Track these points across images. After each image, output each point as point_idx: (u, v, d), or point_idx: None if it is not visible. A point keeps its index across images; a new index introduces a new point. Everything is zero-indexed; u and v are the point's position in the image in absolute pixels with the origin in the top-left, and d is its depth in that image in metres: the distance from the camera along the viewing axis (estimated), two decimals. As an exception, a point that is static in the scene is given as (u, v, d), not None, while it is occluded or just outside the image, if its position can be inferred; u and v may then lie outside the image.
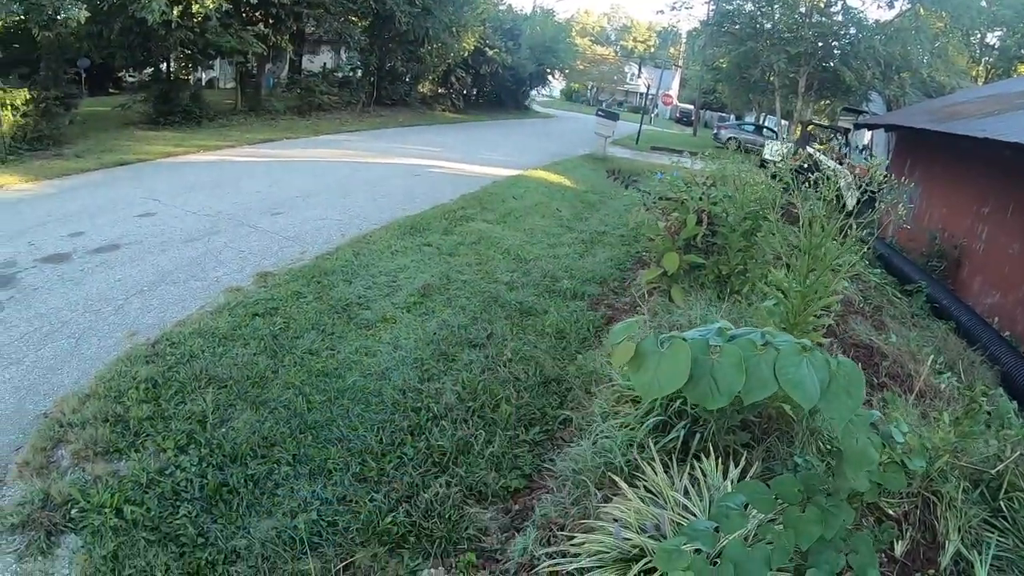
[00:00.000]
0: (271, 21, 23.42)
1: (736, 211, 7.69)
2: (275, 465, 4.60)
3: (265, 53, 22.96)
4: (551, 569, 3.67)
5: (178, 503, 4.15)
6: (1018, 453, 5.28)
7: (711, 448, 4.26)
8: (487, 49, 37.57)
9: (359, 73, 31.97)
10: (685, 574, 2.60)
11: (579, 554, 3.57)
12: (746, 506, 2.85)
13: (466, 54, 35.01)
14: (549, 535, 4.04)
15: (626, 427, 4.57)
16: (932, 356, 7.59)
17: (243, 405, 5.22)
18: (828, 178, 7.07)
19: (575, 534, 3.71)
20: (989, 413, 5.20)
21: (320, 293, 7.53)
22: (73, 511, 4.02)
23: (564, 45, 48.64)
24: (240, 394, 5.36)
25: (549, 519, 4.15)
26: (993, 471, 5.20)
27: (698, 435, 4.39)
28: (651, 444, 4.21)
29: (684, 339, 2.30)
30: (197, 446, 4.68)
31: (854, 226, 5.43)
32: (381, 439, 4.97)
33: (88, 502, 4.07)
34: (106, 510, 4.02)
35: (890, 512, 4.67)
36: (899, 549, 4.40)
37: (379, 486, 4.48)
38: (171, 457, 4.55)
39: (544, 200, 14.11)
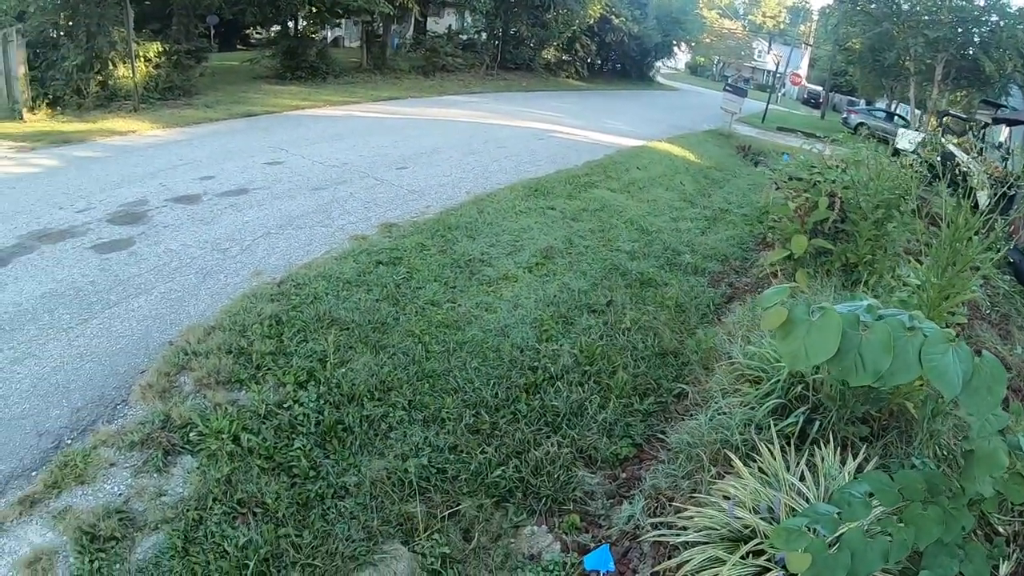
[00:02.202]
0: (394, -18, 23.58)
1: (869, 198, 7.41)
2: (390, 409, 4.64)
3: (391, 13, 23.13)
4: (656, 539, 3.64)
5: (293, 436, 4.24)
6: None
7: (830, 437, 4.13)
8: (613, 17, 37.10)
9: (483, 36, 32.05)
10: (803, 556, 2.52)
11: (687, 528, 3.51)
12: (869, 496, 2.74)
13: (592, 21, 34.66)
14: (657, 506, 4.00)
15: (745, 406, 4.46)
16: None
17: (363, 348, 5.29)
18: (967, 174, 6.77)
19: (686, 506, 3.64)
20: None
21: (444, 247, 7.59)
22: (191, 434, 4.17)
23: (692, 17, 47.54)
24: (361, 338, 5.44)
25: (659, 490, 4.09)
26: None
27: (817, 422, 4.27)
28: (771, 425, 4.10)
29: (836, 311, 2.21)
30: (316, 383, 4.77)
31: (996, 225, 5.19)
32: (496, 394, 4.96)
33: (207, 427, 4.20)
34: (223, 436, 4.15)
35: (1000, 529, 4.46)
36: (1004, 569, 4.18)
37: (491, 439, 4.48)
38: (290, 392, 4.66)
39: (668, 173, 13.87)
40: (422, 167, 11.32)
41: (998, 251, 12.28)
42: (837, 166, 8.91)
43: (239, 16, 21.44)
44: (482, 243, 7.87)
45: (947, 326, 5.28)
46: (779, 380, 4.59)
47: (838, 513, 2.67)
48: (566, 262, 7.71)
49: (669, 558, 3.49)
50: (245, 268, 6.70)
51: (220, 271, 6.60)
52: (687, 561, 3.30)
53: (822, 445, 4.11)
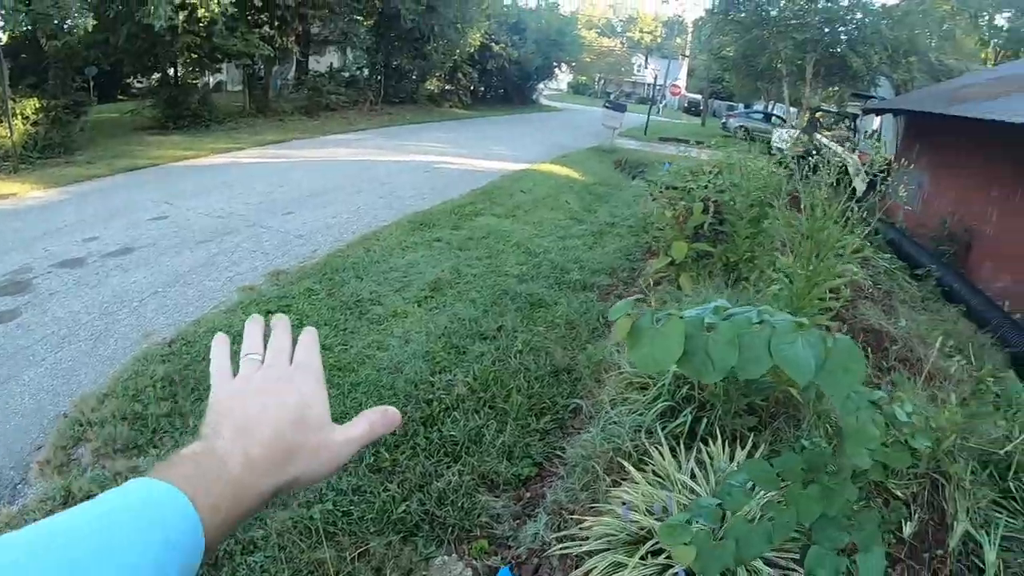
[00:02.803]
0: (276, 23, 23.50)
1: (743, 199, 7.74)
2: None
3: (272, 55, 23.00)
4: (562, 553, 3.75)
5: (196, 498, 4.22)
6: None
7: (718, 432, 4.33)
8: (493, 44, 37.64)
9: (365, 72, 32.11)
10: (687, 548, 2.68)
11: (588, 537, 3.64)
12: (752, 486, 2.92)
13: (472, 50, 35.11)
14: (560, 520, 4.11)
15: (634, 413, 4.64)
16: (941, 339, 7.63)
17: None
18: (828, 162, 7.10)
19: (585, 518, 3.79)
20: (998, 395, 5.24)
21: (332, 289, 7.62)
22: (94, 507, 4.10)
23: (570, 38, 48.59)
24: None
25: (560, 504, 4.22)
26: (1002, 452, 5.25)
27: (705, 420, 4.46)
28: (658, 429, 4.29)
29: (680, 316, 2.37)
30: (214, 442, 4.75)
31: (855, 210, 5.47)
32: (394, 432, 5.02)
33: (108, 498, 4.15)
34: (126, 506, 4.09)
35: (898, 494, 4.72)
36: (908, 530, 4.45)
37: (393, 476, 4.53)
38: (189, 453, 4.62)
39: (552, 193, 14.17)
40: (308, 211, 11.32)
41: (876, 233, 12.89)
42: (710, 171, 9.25)
43: (118, 66, 20.98)
44: (370, 282, 7.92)
45: (819, 312, 5.58)
46: (665, 384, 4.79)
47: (719, 504, 2.85)
48: (455, 292, 7.82)
49: (576, 568, 3.62)
50: (135, 330, 6.61)
51: (110, 335, 6.50)
52: (592, 569, 3.44)
53: (711, 441, 4.32)
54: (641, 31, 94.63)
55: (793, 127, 29.06)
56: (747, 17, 31.62)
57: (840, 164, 16.40)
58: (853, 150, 21.77)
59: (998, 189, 11.24)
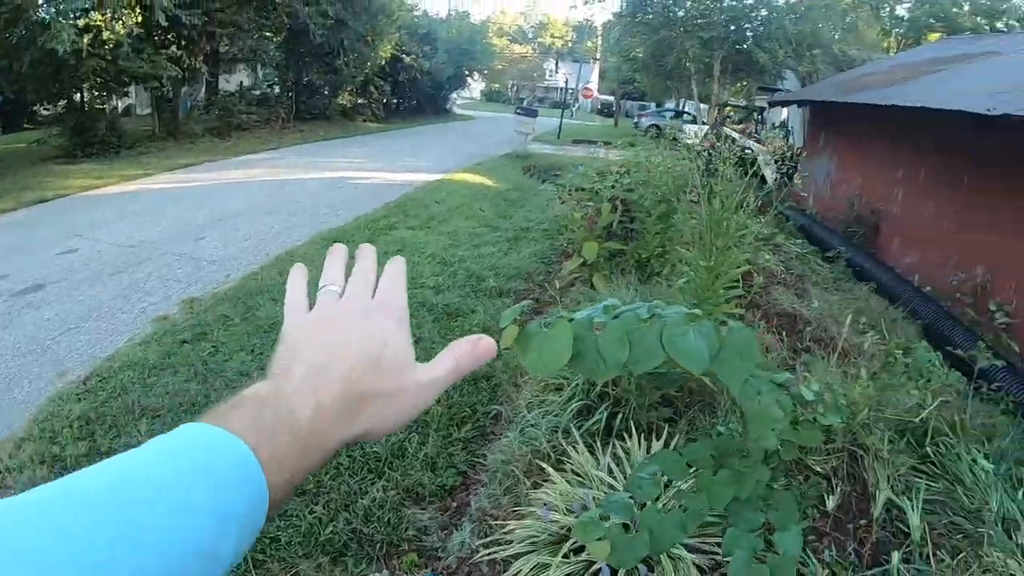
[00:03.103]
0: (184, 43, 23.11)
1: (651, 195, 7.90)
2: None
3: (180, 76, 22.61)
4: (489, 559, 3.83)
5: (119, 537, 4.19)
6: (939, 401, 5.59)
7: (633, 427, 4.45)
8: (404, 56, 37.53)
9: (276, 89, 31.78)
10: (602, 543, 2.77)
11: (512, 541, 3.73)
12: (663, 476, 3.02)
13: (383, 63, 34.95)
14: (485, 527, 4.18)
15: (550, 414, 4.75)
16: (851, 316, 7.91)
17: None
18: (741, 156, 7.27)
19: (508, 522, 3.87)
20: (907, 365, 5.46)
21: (247, 314, 7.57)
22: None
23: (481, 46, 48.78)
24: (174, 422, 5.26)
25: (484, 511, 4.30)
26: (917, 420, 5.49)
27: (620, 415, 4.58)
28: (575, 428, 4.40)
29: (568, 319, 2.46)
30: (135, 478, 4.71)
31: (763, 198, 5.64)
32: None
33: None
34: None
35: (818, 469, 4.90)
36: (831, 503, 4.63)
37: (317, 498, 4.55)
38: (110, 492, 4.58)
39: (466, 202, 14.26)
40: (221, 234, 11.20)
41: (787, 220, 13.16)
42: (617, 171, 9.42)
43: (22, 93, 20.43)
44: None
45: (725, 301, 5.75)
46: (579, 384, 4.91)
47: (631, 497, 2.94)
48: (372, 308, 7.80)
49: (504, 572, 3.69)
50: (49, 370, 6.48)
51: (24, 377, 6.36)
52: (518, 572, 3.52)
53: (627, 436, 4.44)
54: (552, 36, 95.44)
55: (703, 123, 29.65)
56: (654, 18, 32.24)
57: (750, 156, 16.81)
58: (760, 142, 22.30)
59: (902, 171, 11.71)
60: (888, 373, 5.10)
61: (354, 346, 0.72)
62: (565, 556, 3.46)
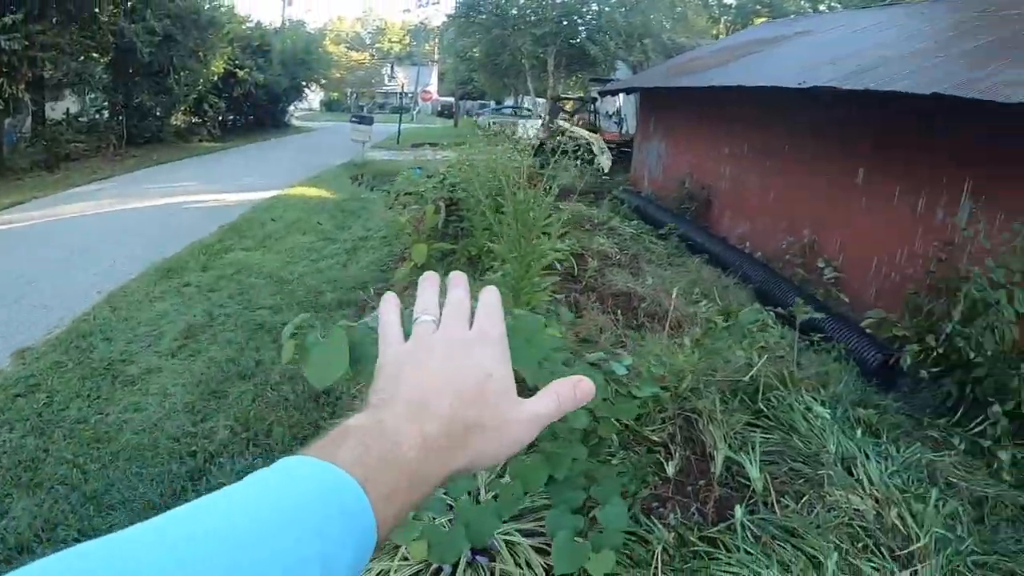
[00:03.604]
0: (4, 70, 21.96)
1: (478, 193, 8.10)
2: (61, 545, 4.50)
3: (2, 107, 21.60)
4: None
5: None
6: (766, 358, 6.00)
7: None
8: (237, 70, 36.66)
9: (106, 114, 30.55)
10: (419, 543, 2.92)
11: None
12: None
13: (216, 78, 34.07)
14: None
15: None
16: (682, 288, 8.32)
17: (19, 493, 5.12)
18: (556, 147, 7.52)
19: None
20: (727, 329, 5.79)
21: (81, 358, 7.39)
22: None
23: (318, 55, 47.99)
24: (13, 481, 5.25)
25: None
26: (747, 378, 5.87)
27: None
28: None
29: (344, 327, 2.58)
30: (-21, 546, 4.59)
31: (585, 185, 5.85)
32: (161, 491, 5.04)
33: None
34: None
35: (655, 439, 5.21)
36: (671, 469, 4.92)
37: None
38: (-51, 565, 4.45)
39: (303, 216, 14.24)
40: (49, 277, 10.73)
41: (622, 203, 13.56)
42: (442, 172, 9.61)
43: None
44: (120, 342, 7.75)
45: (543, 289, 5.99)
46: None
47: (445, 492, 3.07)
48: (209, 336, 7.80)
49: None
50: None
51: None
52: (363, 580, 3.65)
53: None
54: (390, 41, 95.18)
55: (540, 117, 30.24)
56: (487, 18, 32.81)
57: (585, 145, 17.18)
58: (595, 131, 22.88)
59: (727, 148, 12.47)
60: (710, 338, 5.44)
61: (458, 376, 0.71)
62: (404, 559, 3.59)
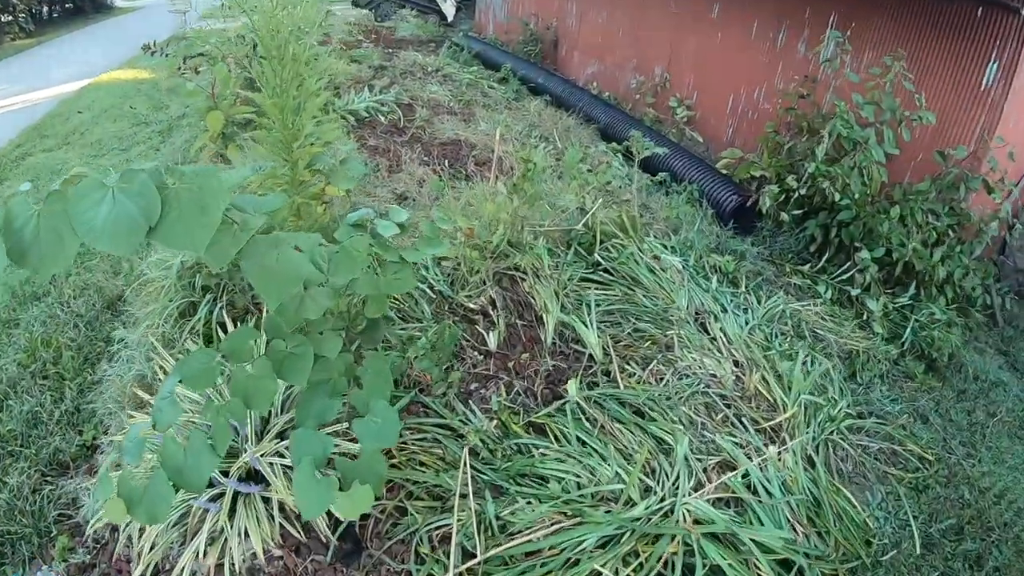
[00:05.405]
0: None
1: (278, 52, 7.17)
2: None
3: None
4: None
5: None
6: (599, 202, 5.30)
7: (253, 307, 3.97)
8: (40, -48, 33.61)
9: None
10: (116, 502, 2.19)
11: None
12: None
13: (20, -34, 31.19)
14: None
15: (152, 327, 4.16)
16: (509, 130, 7.70)
17: None
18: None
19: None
20: (549, 169, 5.16)
21: None
22: None
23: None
24: None
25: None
26: (579, 226, 5.19)
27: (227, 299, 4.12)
28: (180, 335, 3.88)
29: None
30: None
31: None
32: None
33: None
34: None
35: (472, 306, 4.53)
36: (492, 341, 4.26)
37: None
38: None
39: (116, 102, 13.00)
40: None
41: (461, 50, 13.10)
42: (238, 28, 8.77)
43: None
44: None
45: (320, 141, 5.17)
46: (171, 282, 4.39)
47: (154, 426, 2.29)
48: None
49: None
50: None
51: None
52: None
53: (237, 323, 3.99)
54: None
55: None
56: None
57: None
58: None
59: (574, -15, 12.01)
60: (529, 182, 4.68)
61: None
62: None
